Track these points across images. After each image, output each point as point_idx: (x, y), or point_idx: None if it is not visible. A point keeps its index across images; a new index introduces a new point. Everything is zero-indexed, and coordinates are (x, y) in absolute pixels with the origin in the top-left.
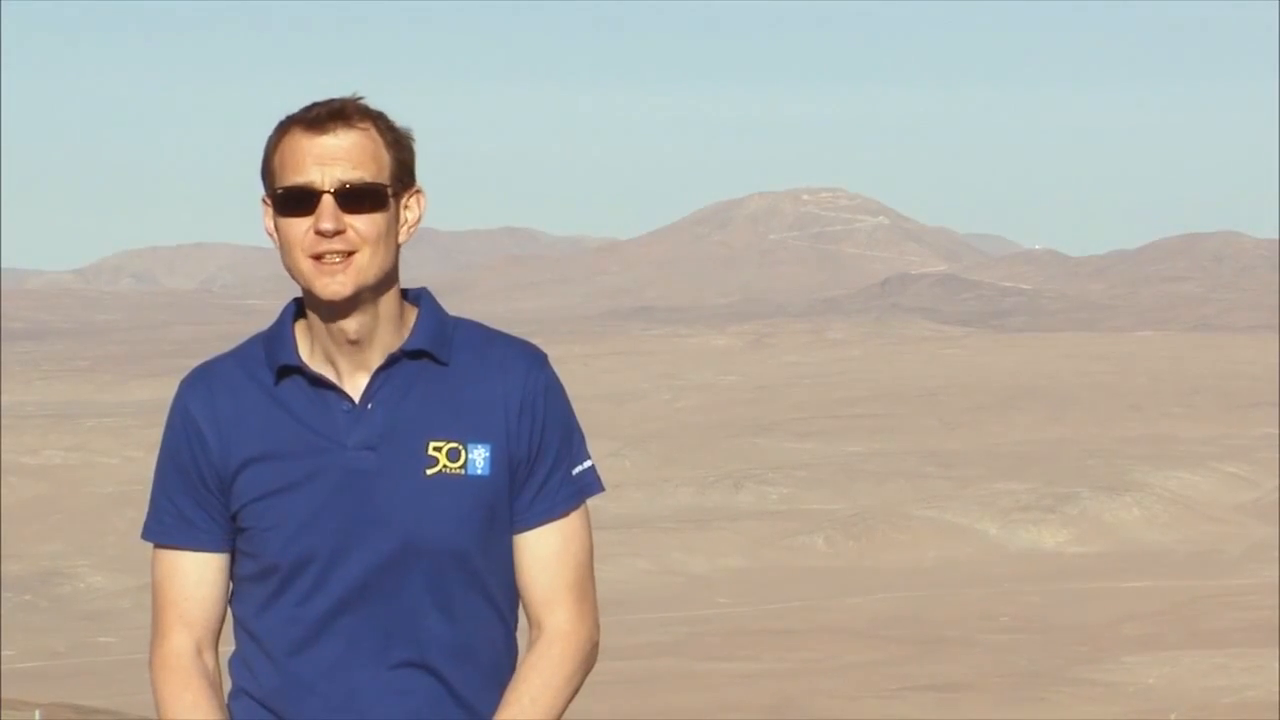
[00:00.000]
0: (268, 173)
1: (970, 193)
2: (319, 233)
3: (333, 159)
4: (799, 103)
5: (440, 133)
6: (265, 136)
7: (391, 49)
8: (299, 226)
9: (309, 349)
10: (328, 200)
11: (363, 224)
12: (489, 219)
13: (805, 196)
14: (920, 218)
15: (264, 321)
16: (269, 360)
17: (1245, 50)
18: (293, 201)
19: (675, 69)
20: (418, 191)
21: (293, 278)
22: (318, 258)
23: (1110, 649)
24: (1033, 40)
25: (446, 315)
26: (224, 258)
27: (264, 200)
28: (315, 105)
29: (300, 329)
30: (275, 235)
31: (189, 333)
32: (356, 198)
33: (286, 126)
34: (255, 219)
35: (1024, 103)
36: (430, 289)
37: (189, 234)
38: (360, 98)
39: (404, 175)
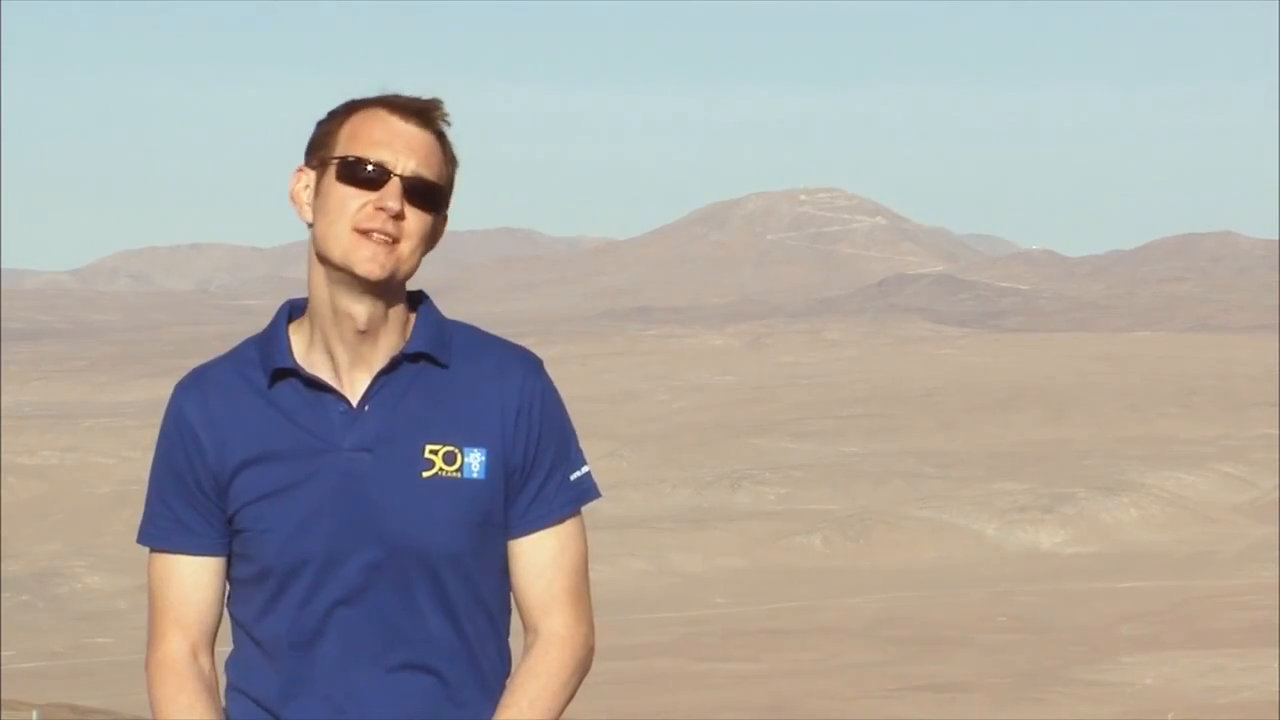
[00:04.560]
0: (327, 142)
1: (967, 193)
2: (380, 209)
3: (410, 150)
4: (796, 103)
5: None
6: (258, 138)
7: (387, 48)
8: (357, 198)
9: (304, 350)
10: (396, 183)
11: (416, 218)
12: (486, 219)
13: (803, 197)
14: (917, 218)
15: (260, 322)
16: (263, 363)
17: (1242, 50)
18: (360, 173)
19: (673, 69)
20: (447, 213)
21: (321, 248)
22: (364, 232)
23: (1107, 649)
24: (1030, 40)
25: (444, 318)
26: (221, 258)
27: (302, 168)
28: (401, 95)
29: (295, 330)
30: (306, 205)
31: (186, 333)
32: (421, 193)
33: (366, 104)
34: (251, 220)
35: (1021, 103)
36: (427, 291)
37: (186, 235)
38: (441, 102)
39: (450, 190)
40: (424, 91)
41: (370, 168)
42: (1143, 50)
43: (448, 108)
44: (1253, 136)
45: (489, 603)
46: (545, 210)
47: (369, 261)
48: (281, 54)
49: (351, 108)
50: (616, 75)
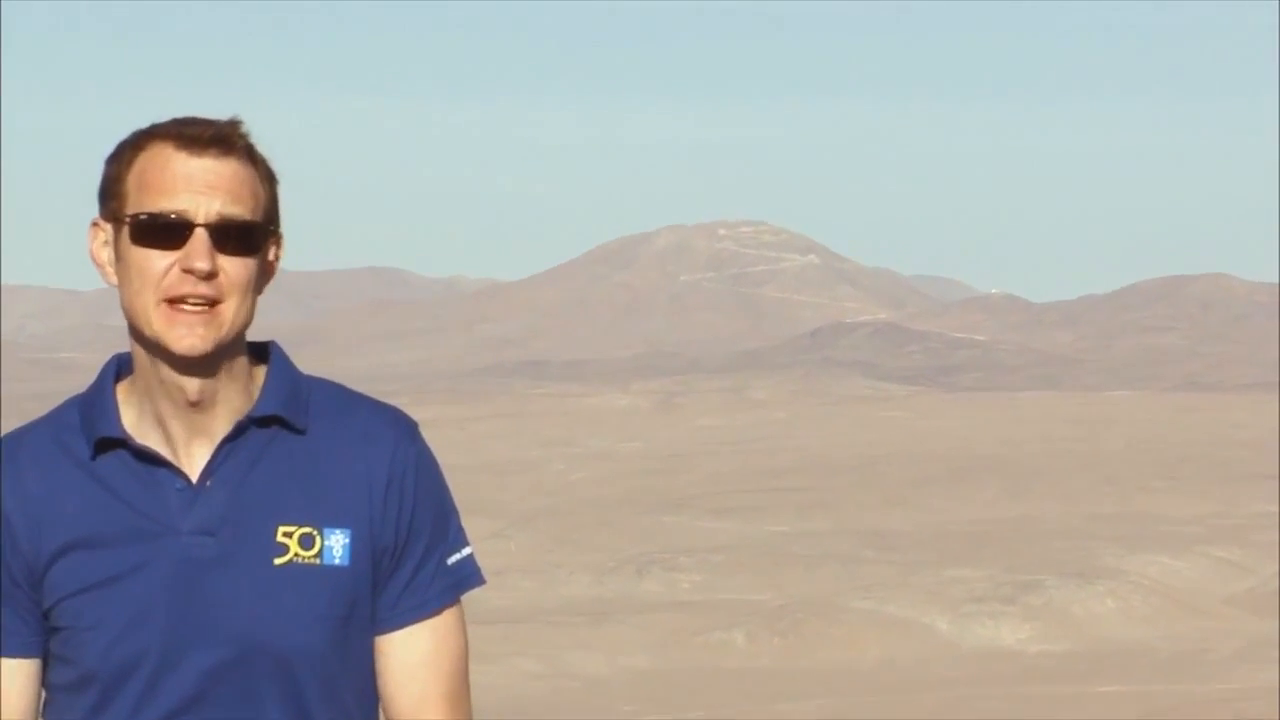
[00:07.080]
0: (117, 192)
1: (915, 229)
2: (188, 271)
3: (211, 188)
4: (715, 123)
5: (289, 155)
6: (72, 158)
7: (227, 55)
8: (159, 261)
9: (135, 415)
10: (202, 235)
11: (235, 268)
12: (348, 258)
13: (722, 231)
14: (857, 257)
15: (79, 378)
16: (86, 430)
17: (1239, 64)
18: (157, 231)
19: (570, 83)
20: (280, 235)
21: (131, 320)
22: (175, 301)
23: None
24: (988, 52)
25: (300, 374)
26: (31, 303)
27: (98, 222)
28: (190, 122)
29: (124, 391)
30: (108, 266)
31: None
32: (235, 236)
33: (151, 139)
34: (66, 259)
35: (979, 124)
36: (279, 342)
37: None
38: (240, 121)
39: (273, 215)
40: (267, 105)
41: (167, 223)
42: (1121, 63)
43: (247, 126)
44: (1247, 164)
45: (352, 712)
46: (418, 247)
47: (186, 338)
48: (93, 67)
49: (137, 145)
50: (501, 90)
